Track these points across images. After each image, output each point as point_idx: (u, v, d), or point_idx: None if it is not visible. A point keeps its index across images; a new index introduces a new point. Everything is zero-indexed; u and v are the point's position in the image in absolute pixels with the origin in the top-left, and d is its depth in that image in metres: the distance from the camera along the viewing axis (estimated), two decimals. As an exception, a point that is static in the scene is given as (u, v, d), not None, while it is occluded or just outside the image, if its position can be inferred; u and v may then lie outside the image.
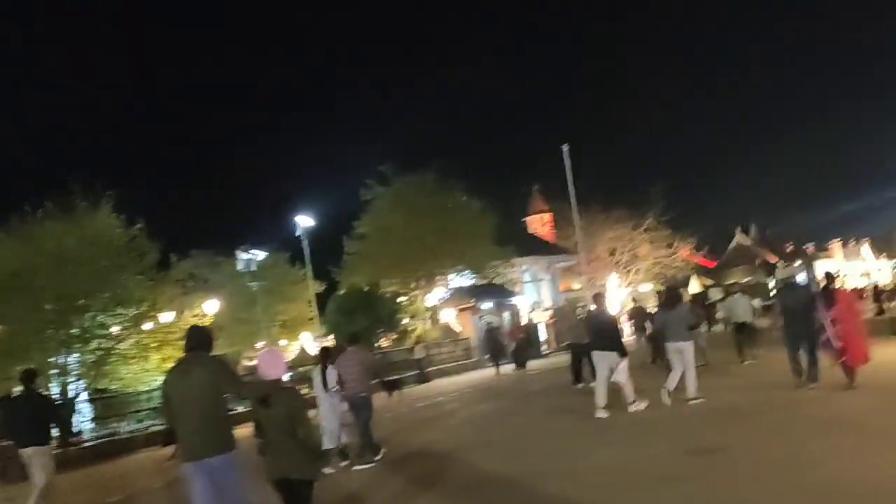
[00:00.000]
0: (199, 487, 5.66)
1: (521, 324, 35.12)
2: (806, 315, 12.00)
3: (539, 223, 59.77)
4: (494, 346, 26.53)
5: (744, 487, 6.83)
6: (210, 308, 29.25)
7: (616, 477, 7.87)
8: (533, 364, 27.29)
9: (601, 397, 11.89)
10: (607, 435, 10.47)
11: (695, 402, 11.83)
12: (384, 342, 32.52)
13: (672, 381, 12.11)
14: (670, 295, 13.36)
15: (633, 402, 12.02)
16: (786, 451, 7.97)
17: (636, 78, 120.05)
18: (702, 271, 51.20)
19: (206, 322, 26.09)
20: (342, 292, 35.24)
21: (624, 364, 11.99)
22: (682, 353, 12.12)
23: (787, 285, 14.81)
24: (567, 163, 41.42)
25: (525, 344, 27.16)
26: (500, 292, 38.51)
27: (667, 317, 12.56)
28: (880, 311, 30.68)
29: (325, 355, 11.20)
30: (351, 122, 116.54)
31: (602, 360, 12.05)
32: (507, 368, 25.92)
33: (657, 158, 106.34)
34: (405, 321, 34.95)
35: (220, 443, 5.76)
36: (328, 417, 10.77)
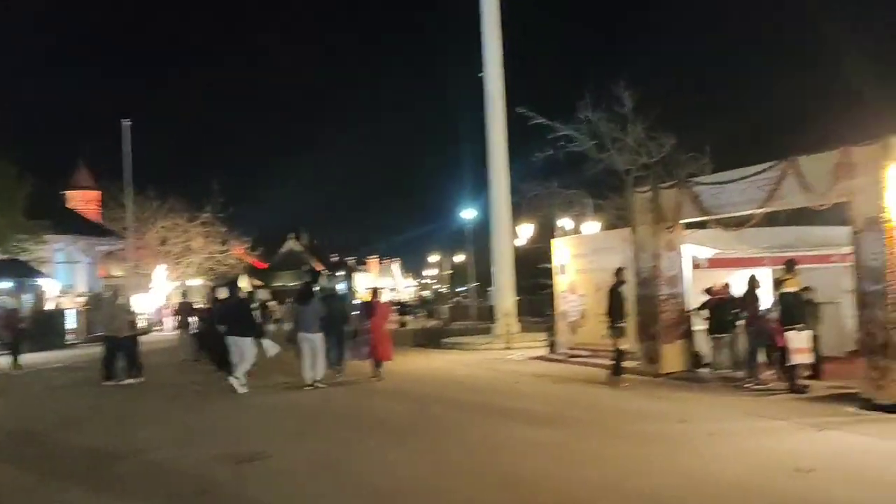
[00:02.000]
0: None
1: (41, 308, 30.87)
2: (343, 320, 14.40)
3: (83, 200, 53.96)
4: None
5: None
6: None
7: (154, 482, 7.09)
8: (45, 357, 23.61)
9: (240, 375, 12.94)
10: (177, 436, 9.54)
11: (309, 388, 13.13)
12: None
13: (305, 369, 13.33)
14: (304, 290, 14.48)
15: (241, 384, 12.95)
16: (331, 456, 8.15)
17: (198, 68, 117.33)
18: (253, 272, 51.80)
19: None
20: None
21: (252, 350, 13.20)
22: (314, 343, 13.37)
23: (329, 294, 15.95)
24: (126, 140, 38.13)
25: (23, 335, 22.37)
26: (22, 271, 33.37)
27: (301, 310, 13.75)
28: (403, 324, 34.69)
29: None
30: None
31: (236, 344, 13.04)
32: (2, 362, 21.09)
33: (220, 155, 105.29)
34: None
35: None
36: None
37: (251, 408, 11.69)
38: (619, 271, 13.18)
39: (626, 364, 12.99)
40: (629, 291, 13.59)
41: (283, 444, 8.79)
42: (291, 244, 74.31)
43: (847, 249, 10.79)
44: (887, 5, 30.37)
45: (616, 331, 12.81)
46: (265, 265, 59.07)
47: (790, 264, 11.77)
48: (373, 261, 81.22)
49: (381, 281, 72.30)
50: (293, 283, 52.45)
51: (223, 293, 15.80)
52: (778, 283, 11.89)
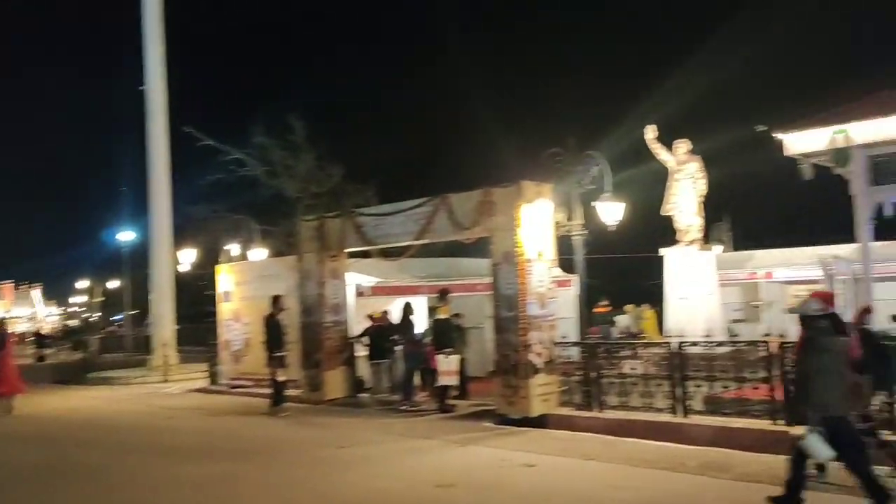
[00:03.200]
0: None
1: None
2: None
3: None
4: None
5: None
6: None
7: None
8: None
9: None
10: None
11: None
12: None
13: None
14: None
15: None
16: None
17: None
18: None
19: None
20: None
21: None
22: None
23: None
24: None
25: None
26: None
27: None
28: (41, 358, 30.58)
29: None
30: None
31: None
32: None
33: None
34: None
35: None
36: None
37: None
38: (275, 300, 13.00)
39: (288, 392, 12.87)
40: (293, 319, 13.56)
41: None
42: None
43: (488, 280, 11.99)
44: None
45: (274, 360, 12.61)
46: None
47: (443, 293, 12.73)
48: (7, 286, 70.60)
49: (16, 309, 63.32)
50: None
51: None
52: (432, 311, 12.77)
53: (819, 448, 5.66)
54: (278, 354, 12.59)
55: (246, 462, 8.82)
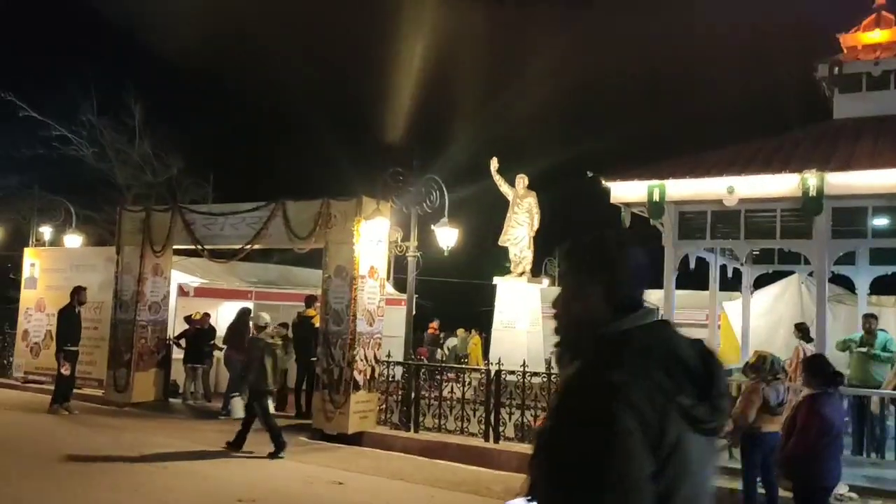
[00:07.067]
0: None
1: None
2: None
3: None
4: None
5: None
6: None
7: None
8: None
9: None
10: None
11: None
12: None
13: None
14: None
15: None
16: None
17: None
18: None
19: None
20: None
21: None
22: None
23: None
24: None
25: None
26: None
27: None
28: None
29: None
30: None
31: None
32: None
33: None
34: None
35: None
36: None
37: None
38: (75, 291, 12.08)
39: (89, 392, 11.97)
40: (105, 315, 12.67)
41: None
42: None
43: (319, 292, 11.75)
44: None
45: (62, 354, 11.69)
46: None
47: (312, 299, 12.21)
48: None
49: None
50: None
51: None
52: (304, 319, 12.19)
53: (238, 410, 10.14)
54: (69, 349, 11.71)
55: (10, 468, 8.06)
